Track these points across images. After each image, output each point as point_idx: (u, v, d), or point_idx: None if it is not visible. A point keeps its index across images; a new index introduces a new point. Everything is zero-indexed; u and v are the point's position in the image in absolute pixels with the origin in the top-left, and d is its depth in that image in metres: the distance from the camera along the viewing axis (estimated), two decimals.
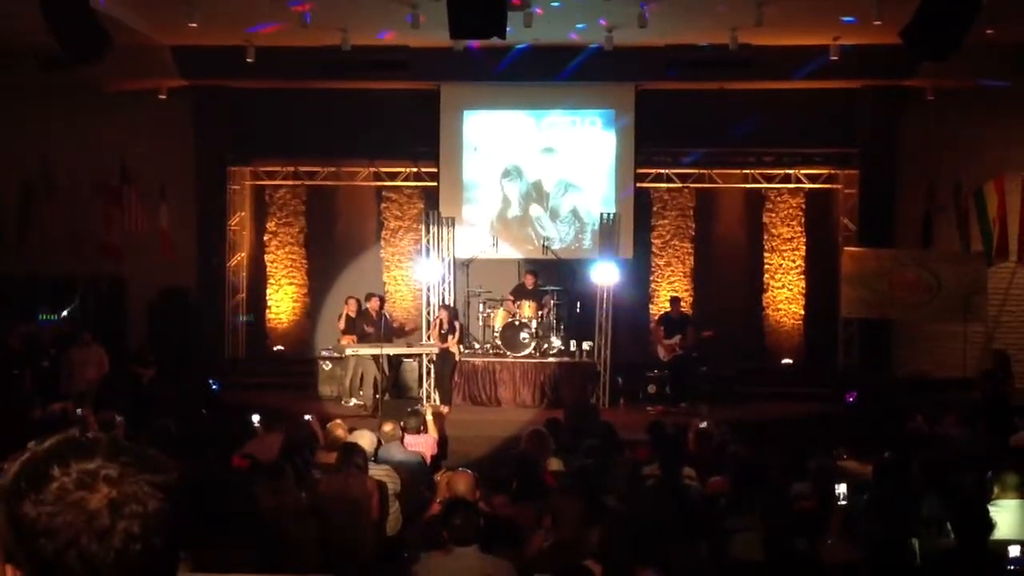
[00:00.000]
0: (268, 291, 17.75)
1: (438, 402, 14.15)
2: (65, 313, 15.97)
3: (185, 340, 16.13)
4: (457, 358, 14.49)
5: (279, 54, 15.13)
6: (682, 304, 15.75)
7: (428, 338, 14.58)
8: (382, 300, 15.21)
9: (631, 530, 4.87)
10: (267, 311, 17.72)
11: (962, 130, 16.07)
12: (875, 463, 7.62)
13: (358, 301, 14.93)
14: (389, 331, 14.86)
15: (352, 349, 14.32)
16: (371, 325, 14.51)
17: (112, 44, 11.28)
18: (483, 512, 6.19)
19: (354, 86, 16.31)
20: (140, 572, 1.35)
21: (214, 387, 14.89)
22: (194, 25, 13.17)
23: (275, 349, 17.57)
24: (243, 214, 17.58)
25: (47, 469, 1.35)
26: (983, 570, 4.97)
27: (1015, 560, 5.01)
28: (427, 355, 14.47)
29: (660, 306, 16.72)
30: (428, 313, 14.96)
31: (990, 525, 5.50)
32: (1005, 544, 5.17)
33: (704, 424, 10.52)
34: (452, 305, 15.27)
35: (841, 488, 6.47)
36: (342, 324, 14.76)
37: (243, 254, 17.57)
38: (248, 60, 14.76)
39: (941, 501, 6.36)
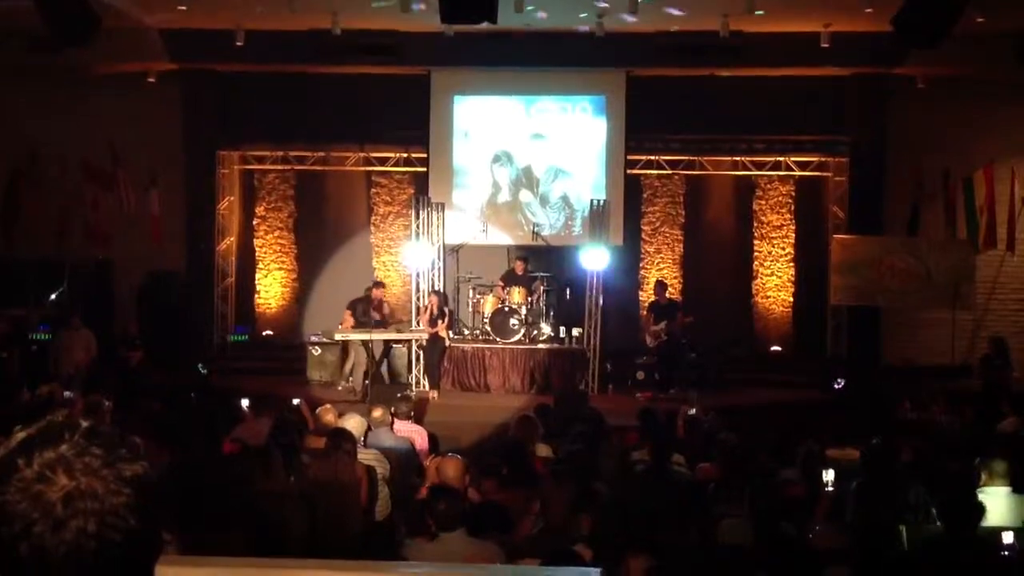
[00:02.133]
0: (257, 276, 17.70)
1: (427, 387, 14.15)
2: (53, 297, 15.91)
3: (173, 324, 16.07)
4: (447, 344, 14.47)
5: (269, 38, 15.06)
6: (669, 290, 15.74)
7: (418, 323, 14.56)
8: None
9: (620, 516, 4.88)
10: (256, 296, 17.68)
11: (951, 118, 16.09)
12: (863, 450, 7.65)
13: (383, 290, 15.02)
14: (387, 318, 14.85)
15: (341, 334, 14.30)
16: (377, 312, 14.49)
17: (100, 27, 11.21)
18: (472, 498, 6.21)
19: (344, 71, 16.23)
20: (99, 567, 1.35)
21: (203, 371, 14.85)
22: (183, 8, 13.11)
23: (264, 334, 17.53)
24: (232, 198, 17.52)
25: (14, 459, 1.36)
26: (971, 556, 4.99)
27: (1009, 547, 5.03)
28: (416, 341, 14.44)
29: (650, 292, 16.72)
30: (418, 299, 14.94)
31: (978, 512, 5.52)
32: (997, 531, 5.18)
33: (693, 411, 10.57)
34: (442, 291, 15.24)
35: (829, 474, 6.50)
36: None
37: (232, 238, 17.52)
38: (237, 44, 14.68)
39: (928, 488, 6.39)
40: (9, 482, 1.35)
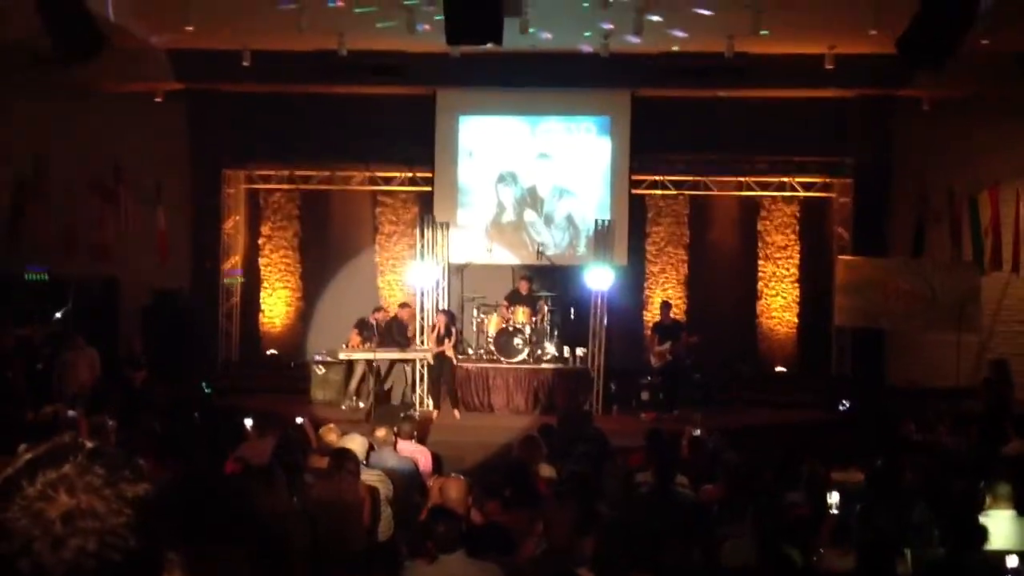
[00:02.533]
0: (262, 295, 17.72)
1: (430, 407, 14.13)
2: (58, 315, 15.92)
3: (178, 343, 16.08)
4: (454, 362, 14.46)
5: (275, 58, 15.13)
6: (673, 310, 15.72)
7: (423, 343, 14.55)
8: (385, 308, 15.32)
9: (623, 537, 4.86)
10: (260, 315, 17.69)
11: (956, 139, 16.10)
12: (867, 472, 7.63)
13: (384, 311, 15.14)
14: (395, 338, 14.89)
15: (345, 354, 14.32)
16: (400, 333, 14.58)
17: (106, 46, 11.26)
18: (474, 519, 6.19)
19: (350, 91, 16.30)
20: (118, 571, 1.35)
21: (207, 390, 14.85)
22: (190, 29, 13.17)
23: (268, 353, 17.53)
24: (238, 218, 17.56)
25: (19, 478, 1.38)
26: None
27: (1014, 571, 5.01)
28: (421, 360, 14.43)
29: (654, 312, 16.71)
30: (422, 318, 14.95)
31: (982, 534, 5.50)
32: (1001, 554, 5.16)
33: (697, 431, 10.54)
34: (449, 310, 15.26)
35: (834, 497, 6.48)
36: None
37: (237, 257, 17.55)
38: (244, 64, 14.75)
39: (932, 510, 6.36)
40: (12, 500, 1.36)
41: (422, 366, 14.47)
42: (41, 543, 1.34)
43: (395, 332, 14.48)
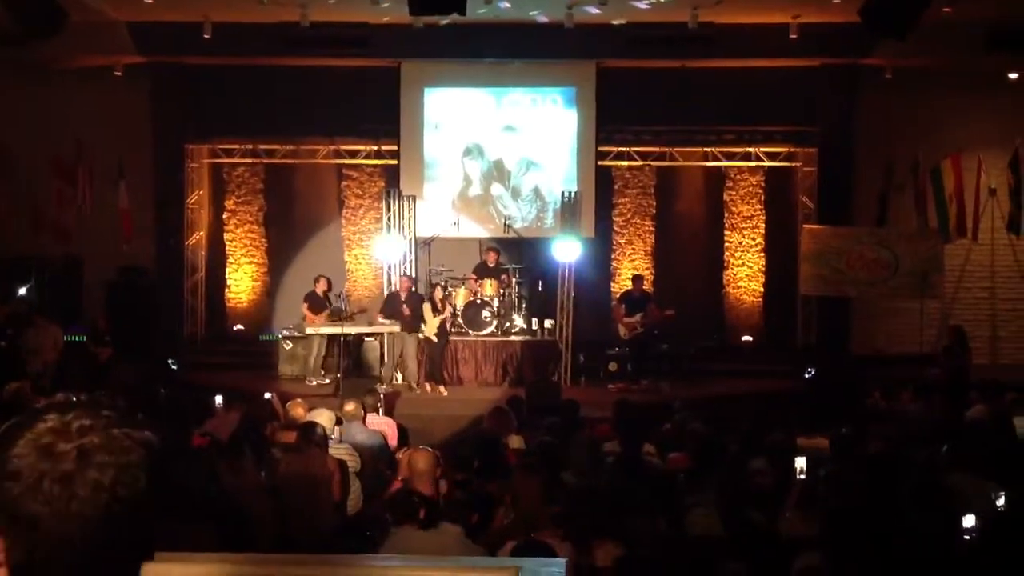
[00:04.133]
0: (227, 270, 17.60)
1: (413, 382, 13.96)
2: (21, 293, 15.73)
3: (143, 319, 15.94)
4: (447, 339, 14.35)
5: (236, 30, 14.95)
6: (644, 283, 15.78)
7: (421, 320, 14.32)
8: (329, 281, 15.13)
9: (589, 505, 4.89)
10: (226, 290, 17.57)
11: (919, 108, 16.23)
12: (832, 438, 7.71)
13: (328, 280, 14.93)
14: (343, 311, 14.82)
15: (313, 328, 14.27)
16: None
17: (67, 20, 11.10)
18: (442, 490, 6.21)
19: (313, 63, 16.13)
20: (106, 523, 1.31)
21: (173, 366, 14.76)
22: (150, 1, 12.98)
23: (235, 328, 17.43)
24: (201, 192, 17.40)
25: (27, 421, 1.34)
26: (940, 542, 5.04)
27: (970, 529, 5.08)
28: (422, 336, 14.28)
29: (622, 284, 16.77)
30: (389, 292, 14.90)
31: (947, 498, 5.58)
32: (958, 515, 5.24)
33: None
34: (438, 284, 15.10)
35: (801, 462, 6.53)
36: (307, 303, 14.77)
37: (201, 233, 17.41)
38: (205, 36, 14.57)
39: (897, 475, 6.43)
40: (19, 437, 1.31)
41: (425, 341, 14.22)
42: (51, 480, 1.28)
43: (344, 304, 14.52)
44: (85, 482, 1.30)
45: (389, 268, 15.10)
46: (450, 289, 15.16)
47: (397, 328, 14.09)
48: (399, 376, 14.35)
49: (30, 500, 1.29)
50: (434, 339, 14.03)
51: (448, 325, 14.28)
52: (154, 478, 1.36)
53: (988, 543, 4.75)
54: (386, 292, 14.99)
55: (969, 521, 5.06)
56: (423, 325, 14.02)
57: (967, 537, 5.04)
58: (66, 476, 1.29)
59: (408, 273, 15.14)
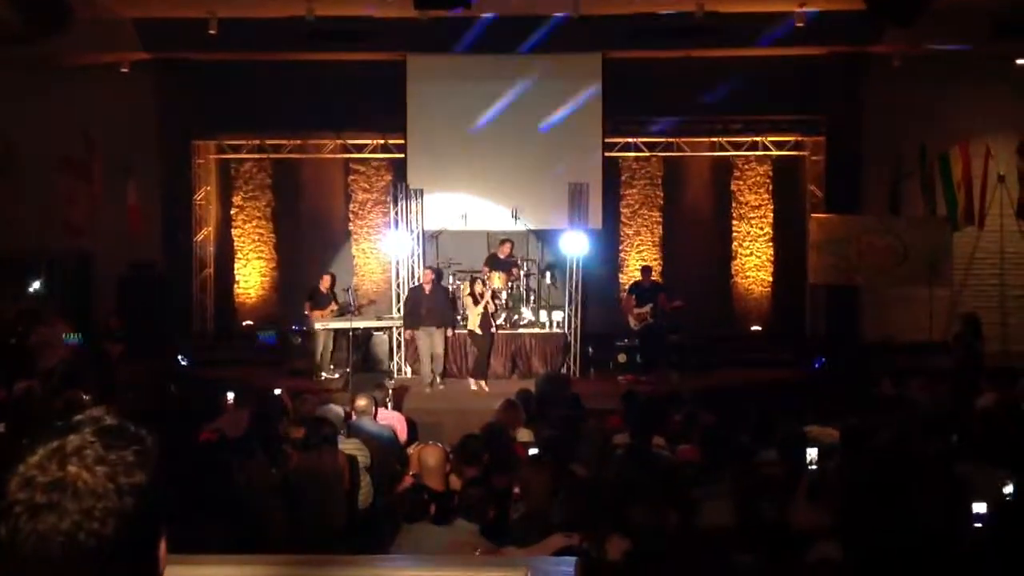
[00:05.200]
0: (236, 266, 17.63)
1: (478, 378, 13.72)
2: (32, 290, 15.79)
3: (153, 316, 15.99)
4: (493, 329, 14.11)
5: (242, 26, 14.95)
6: (653, 273, 15.76)
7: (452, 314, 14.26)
8: (333, 277, 15.12)
9: (597, 498, 4.89)
10: (235, 286, 17.61)
11: (927, 96, 16.15)
12: (842, 428, 7.69)
13: (332, 276, 14.93)
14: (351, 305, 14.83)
15: (322, 323, 14.29)
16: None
17: (74, 17, 11.11)
18: (452, 485, 6.22)
19: (319, 58, 16.13)
20: (67, 563, 1.34)
21: (183, 362, 14.80)
22: None
23: (244, 324, 17.47)
24: (209, 188, 17.43)
25: (35, 443, 1.38)
26: (950, 531, 5.03)
27: (981, 517, 5.07)
28: (395, 328, 14.34)
29: (630, 275, 16.76)
30: (397, 286, 14.91)
31: (957, 488, 5.56)
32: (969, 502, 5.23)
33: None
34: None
35: (812, 453, 6.52)
36: (310, 300, 14.80)
37: (210, 228, 17.44)
38: (211, 32, 14.57)
39: (907, 464, 6.42)
40: (20, 462, 1.37)
41: (471, 335, 14.00)
42: (21, 509, 1.33)
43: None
44: (44, 521, 1.34)
45: (397, 263, 15.09)
46: (459, 283, 15.12)
47: (477, 325, 13.87)
48: (408, 370, 14.35)
49: (2, 523, 1.34)
50: (478, 331, 13.81)
51: (492, 317, 14.02)
52: (133, 523, 1.37)
53: (997, 531, 4.75)
54: (394, 286, 14.97)
55: (979, 508, 5.05)
56: (464, 319, 13.89)
57: (977, 525, 5.03)
58: (32, 510, 1.34)
59: (432, 265, 14.97)
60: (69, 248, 16.29)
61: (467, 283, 14.45)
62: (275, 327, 16.29)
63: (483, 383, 13.59)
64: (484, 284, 14.17)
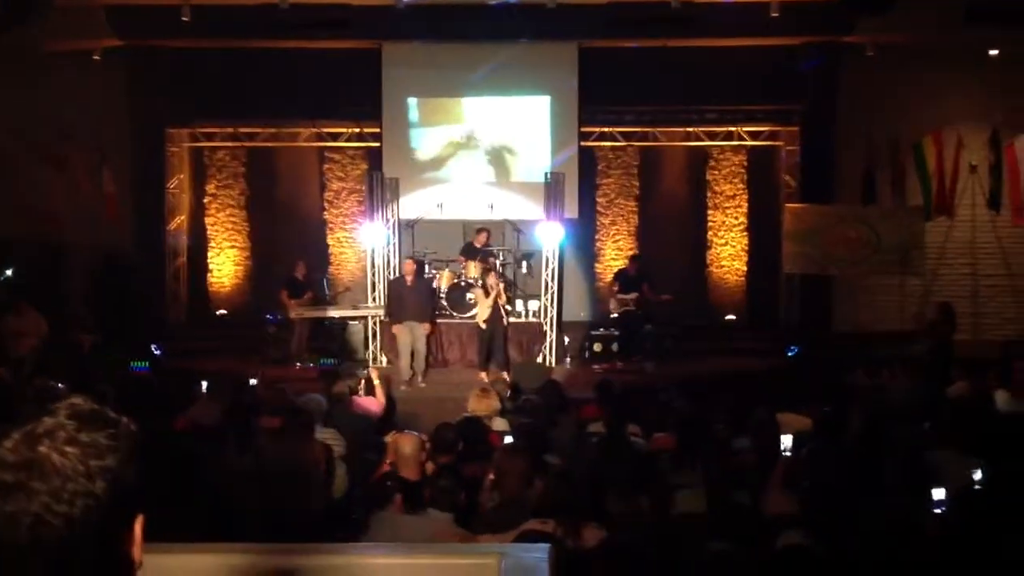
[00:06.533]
0: (209, 254, 17.53)
1: (500, 371, 13.49)
2: (3, 278, 15.63)
3: (125, 305, 15.88)
4: (506, 322, 13.94)
5: (215, 13, 14.83)
6: (639, 263, 15.68)
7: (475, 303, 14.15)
8: (308, 265, 15.07)
9: (571, 486, 4.91)
10: (209, 275, 17.51)
11: (901, 86, 16.24)
12: (815, 416, 7.74)
13: (306, 263, 14.89)
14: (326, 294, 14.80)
15: (297, 312, 14.24)
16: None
17: (52, 5, 10.99)
18: (429, 473, 6.22)
19: (293, 45, 16.03)
20: (32, 553, 1.34)
21: (156, 352, 14.71)
22: None
23: (218, 313, 17.38)
24: (182, 176, 17.32)
25: (15, 427, 1.38)
26: (918, 517, 5.08)
27: (939, 502, 5.13)
28: (371, 318, 14.31)
29: (606, 264, 16.81)
30: (373, 275, 14.87)
31: (929, 475, 5.62)
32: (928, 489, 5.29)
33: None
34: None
35: (786, 440, 6.56)
36: (286, 289, 14.75)
37: (183, 217, 17.33)
38: (184, 19, 14.45)
39: (879, 453, 6.48)
40: None
41: (483, 324, 13.75)
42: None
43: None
44: (11, 501, 1.34)
45: (372, 252, 15.06)
46: (434, 272, 15.12)
47: (381, 312, 14.03)
48: (384, 359, 14.33)
49: None
50: (483, 325, 13.69)
51: (501, 309, 13.83)
52: (103, 505, 1.37)
53: (961, 517, 4.80)
54: (369, 275, 14.92)
55: (939, 494, 5.11)
56: (475, 311, 13.86)
57: (936, 511, 5.09)
58: (3, 488, 1.34)
59: (413, 255, 14.87)
60: (40, 237, 16.13)
61: (476, 267, 14.43)
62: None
63: (484, 375, 13.45)
64: (497, 276, 14.14)
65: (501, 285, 13.92)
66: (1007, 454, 6.32)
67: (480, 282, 14.06)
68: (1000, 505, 4.74)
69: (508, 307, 14.09)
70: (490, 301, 13.59)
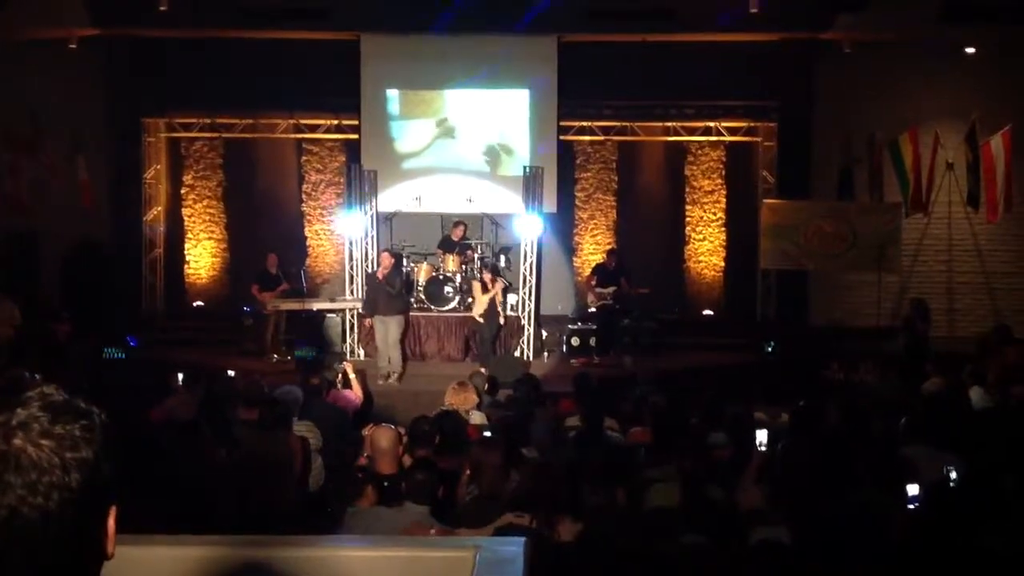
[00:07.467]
0: (186, 246, 17.43)
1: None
2: None
3: (101, 295, 15.76)
4: (501, 320, 14.00)
5: (193, 2, 14.72)
6: (617, 257, 15.70)
7: (469, 301, 14.14)
8: (279, 257, 15.01)
9: (547, 479, 4.91)
10: (185, 266, 17.41)
11: (878, 83, 16.32)
12: (792, 411, 7.78)
13: (277, 256, 14.82)
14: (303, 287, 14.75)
15: (273, 304, 14.19)
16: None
17: None
18: (405, 466, 6.21)
19: (272, 35, 15.91)
20: (33, 533, 1.32)
21: (132, 343, 14.61)
22: None
23: (195, 304, 17.29)
24: (159, 167, 17.20)
25: None
26: (894, 512, 5.11)
27: (914, 498, 5.16)
28: (348, 310, 14.28)
29: (584, 259, 16.82)
30: (351, 268, 14.83)
31: (904, 470, 5.65)
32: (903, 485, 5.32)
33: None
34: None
35: (761, 435, 6.59)
36: (258, 282, 14.70)
37: (159, 208, 17.22)
38: (161, 8, 14.32)
39: (854, 447, 6.51)
40: None
41: (480, 318, 13.85)
42: None
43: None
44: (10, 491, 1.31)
45: (351, 244, 15.01)
46: (413, 265, 15.10)
47: (359, 305, 13.99)
48: (361, 352, 14.29)
49: None
50: (480, 320, 13.70)
51: (498, 305, 13.87)
52: (79, 497, 1.35)
53: (935, 511, 4.83)
54: (347, 268, 14.87)
55: (913, 490, 5.14)
56: (472, 305, 13.84)
57: (911, 506, 5.12)
58: None
59: (390, 248, 14.77)
60: (13, 225, 15.96)
61: (455, 260, 14.50)
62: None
63: (483, 369, 13.36)
64: (497, 274, 14.20)
65: (500, 285, 13.98)
66: (981, 450, 6.38)
67: (478, 276, 14.08)
68: (974, 501, 4.77)
69: (500, 309, 14.08)
70: (487, 298, 13.62)
